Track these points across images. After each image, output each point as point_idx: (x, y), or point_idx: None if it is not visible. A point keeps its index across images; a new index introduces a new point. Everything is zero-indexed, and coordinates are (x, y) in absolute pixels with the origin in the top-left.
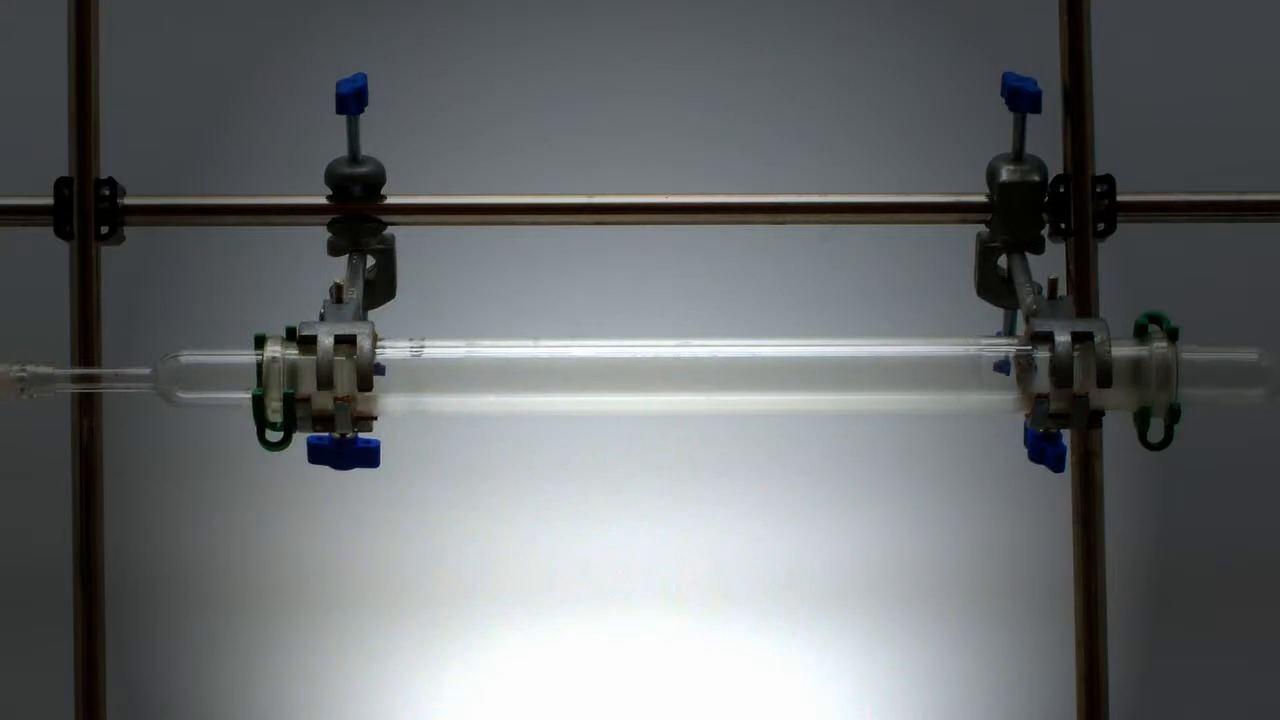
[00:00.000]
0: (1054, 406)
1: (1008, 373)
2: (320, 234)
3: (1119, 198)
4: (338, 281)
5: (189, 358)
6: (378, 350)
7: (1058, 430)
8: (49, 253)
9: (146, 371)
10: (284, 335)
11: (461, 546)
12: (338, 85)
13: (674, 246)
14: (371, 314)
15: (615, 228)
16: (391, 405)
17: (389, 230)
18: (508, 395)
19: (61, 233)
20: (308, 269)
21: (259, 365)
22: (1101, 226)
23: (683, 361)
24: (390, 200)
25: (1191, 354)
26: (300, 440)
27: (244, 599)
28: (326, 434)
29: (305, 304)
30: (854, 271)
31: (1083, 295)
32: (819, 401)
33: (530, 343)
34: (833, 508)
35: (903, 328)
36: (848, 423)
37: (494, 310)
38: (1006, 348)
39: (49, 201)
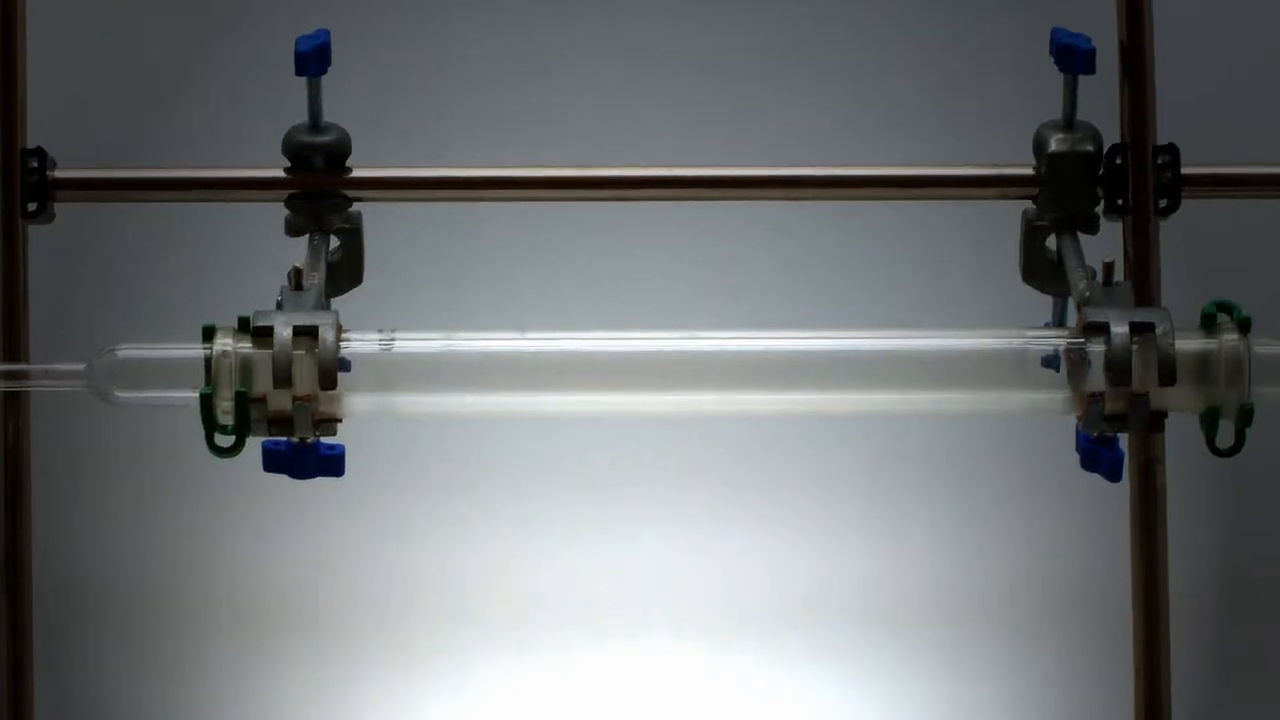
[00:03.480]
0: (1110, 407)
1: (1057, 369)
2: (277, 211)
3: (1183, 170)
4: (297, 265)
5: (128, 352)
6: (342, 343)
7: (1114, 434)
8: None
9: (80, 367)
10: (235, 326)
11: (437, 567)
12: (297, 43)
13: (678, 226)
14: (335, 302)
15: (612, 205)
16: (358, 406)
17: (355, 207)
18: (490, 395)
19: None
20: (263, 251)
21: (207, 360)
22: (1164, 203)
23: (689, 356)
24: (356, 173)
25: (1265, 347)
26: (254, 445)
27: (190, 619)
28: (284, 438)
29: (260, 291)
30: (882, 255)
31: (1142, 280)
32: (843, 401)
33: (516, 335)
34: (859, 522)
35: (938, 318)
36: (876, 425)
37: (475, 299)
38: (1055, 340)
39: None
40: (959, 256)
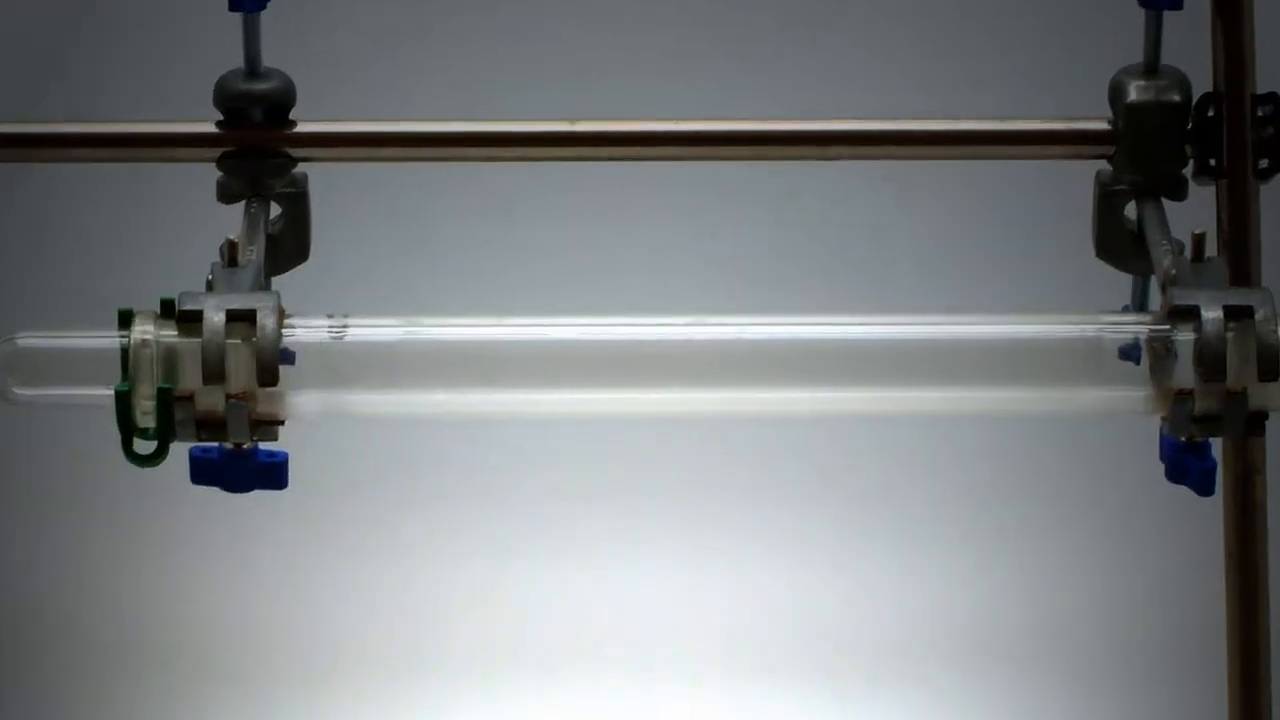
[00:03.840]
0: (1200, 407)
1: (1138, 362)
2: (207, 173)
3: None
4: (231, 238)
5: (29, 341)
6: (285, 331)
7: (1205, 439)
8: None
9: None
10: (157, 311)
11: (398, 597)
12: None
13: (686, 192)
14: (277, 282)
15: (606, 167)
16: (304, 405)
17: (300, 168)
18: (462, 392)
19: None
20: (191, 222)
21: (124, 351)
22: (1264, 163)
23: (697, 347)
24: (301, 127)
25: None
26: (180, 452)
27: (104, 655)
28: (216, 444)
29: (187, 269)
30: (928, 227)
31: (1239, 256)
32: (880, 400)
33: (493, 320)
34: (900, 544)
35: (995, 301)
36: (918, 429)
37: (444, 278)
38: (1135, 327)
39: None
40: (1019, 228)
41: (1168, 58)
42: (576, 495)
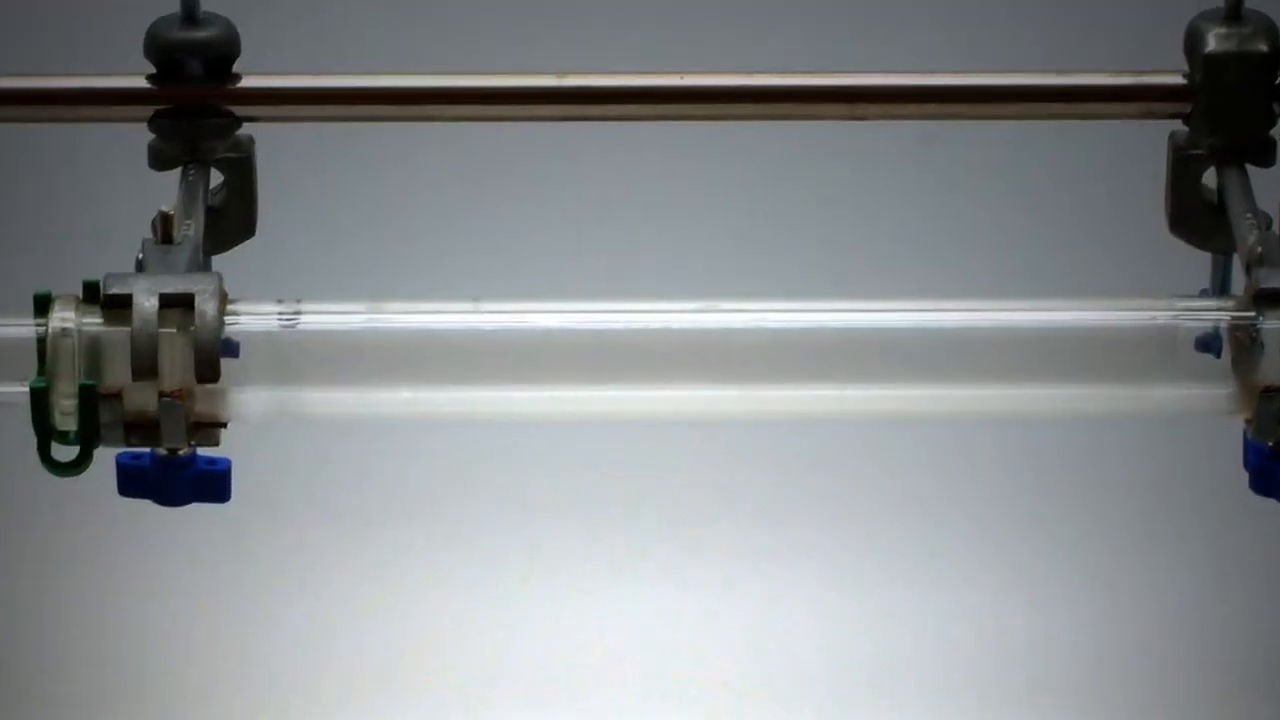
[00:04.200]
0: None
1: (1218, 354)
2: (138, 136)
3: None
4: (164, 210)
5: None
6: (228, 318)
7: None
8: None
9: None
10: (80, 295)
11: (363, 626)
12: None
13: (695, 158)
14: (218, 261)
15: (602, 128)
16: (250, 405)
17: (245, 130)
18: (434, 390)
19: None
20: (118, 192)
21: (40, 341)
22: None
23: (710, 337)
24: (247, 82)
25: None
26: (106, 458)
27: (8, 686)
28: (147, 450)
29: (114, 247)
30: (976, 197)
31: None
32: (923, 400)
33: (469, 306)
34: (941, 565)
35: (1052, 285)
36: (966, 434)
37: (412, 257)
38: (1215, 314)
39: None
40: (1079, 199)
41: (1252, 1)
42: (567, 510)
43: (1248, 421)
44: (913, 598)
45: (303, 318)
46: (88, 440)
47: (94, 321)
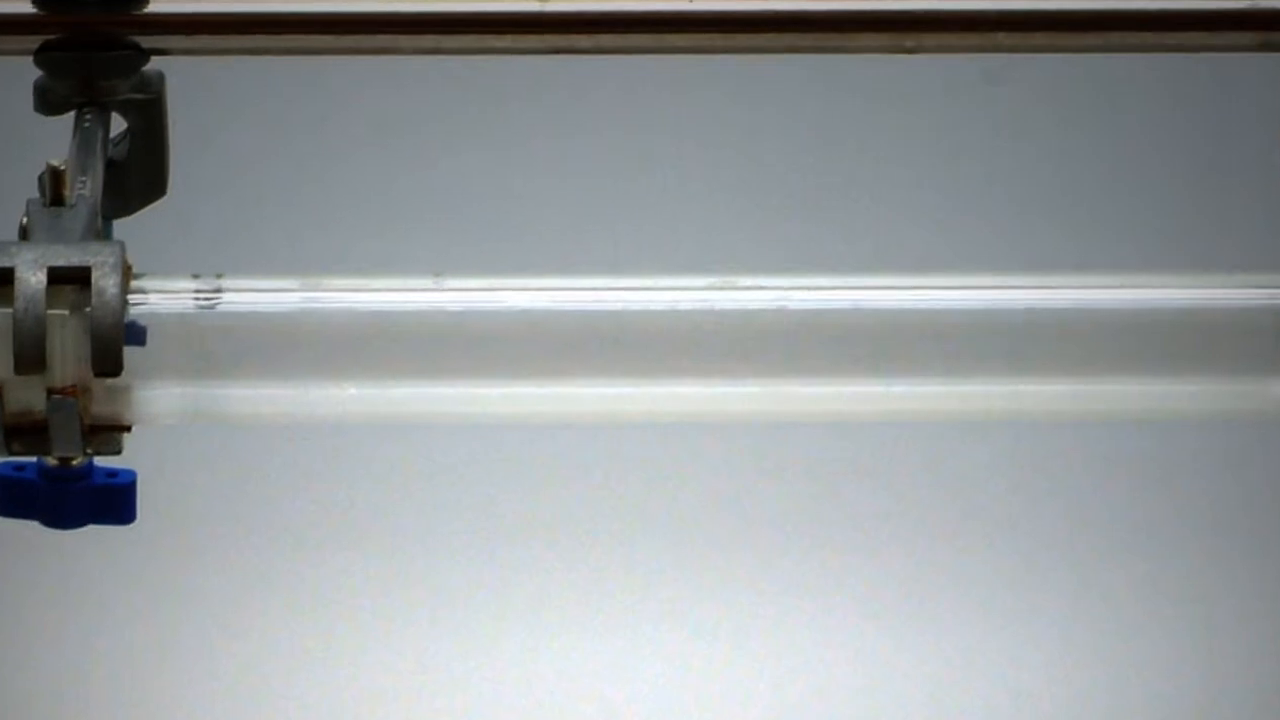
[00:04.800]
0: None
1: None
2: (24, 72)
3: None
4: (54, 163)
5: None
6: (134, 297)
7: None
8: None
9: None
10: None
11: (300, 677)
12: None
13: (706, 101)
14: (121, 227)
15: (592, 62)
16: (160, 404)
17: (153, 65)
18: (385, 385)
19: None
20: None
21: None
22: None
23: (723, 320)
24: (155, 7)
25: None
26: None
27: None
28: (32, 458)
29: None
30: (1050, 149)
31: None
32: (984, 398)
33: (429, 283)
34: (1009, 600)
35: (1143, 256)
36: (1038, 438)
37: (360, 222)
38: None
39: None
40: (1178, 150)
41: None
42: (549, 534)
43: None
44: (976, 641)
45: (225, 297)
46: None
47: None
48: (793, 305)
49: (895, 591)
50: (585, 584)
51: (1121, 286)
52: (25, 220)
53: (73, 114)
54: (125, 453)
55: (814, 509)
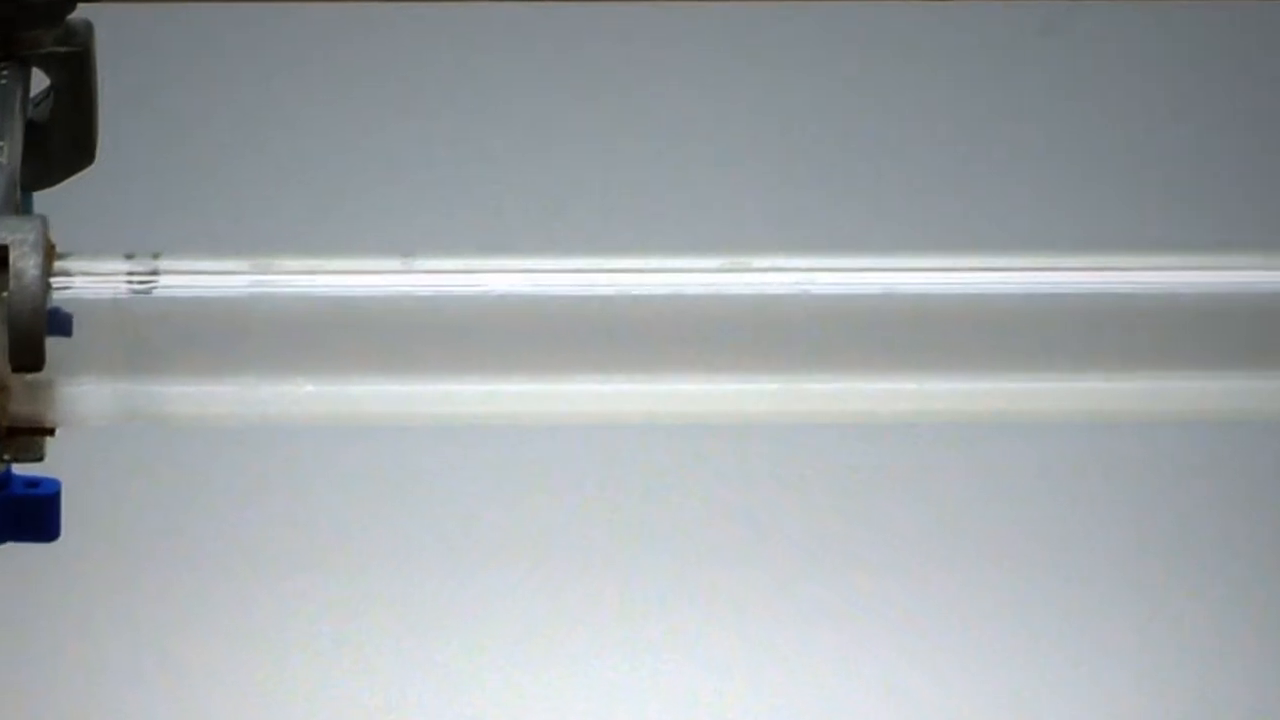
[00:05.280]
0: None
1: None
2: None
3: None
4: None
5: None
6: (58, 281)
7: None
8: None
9: None
10: None
11: (255, 713)
12: None
13: (715, 51)
14: (42, 199)
15: (583, 6)
16: (88, 403)
17: (79, 13)
18: (347, 381)
19: None
20: None
21: None
22: None
23: (736, 307)
24: None
25: None
26: None
27: None
28: None
29: None
30: (1122, 109)
31: None
32: (1033, 395)
33: (398, 264)
34: (1066, 632)
35: (1231, 233)
36: (1097, 441)
37: (317, 194)
38: None
39: None
40: (1253, 109)
41: None
42: (537, 553)
43: None
44: (1030, 679)
45: (163, 280)
46: None
47: None
48: (816, 290)
49: (935, 620)
50: (577, 611)
51: (1207, 268)
52: None
53: None
54: (48, 459)
55: (840, 524)
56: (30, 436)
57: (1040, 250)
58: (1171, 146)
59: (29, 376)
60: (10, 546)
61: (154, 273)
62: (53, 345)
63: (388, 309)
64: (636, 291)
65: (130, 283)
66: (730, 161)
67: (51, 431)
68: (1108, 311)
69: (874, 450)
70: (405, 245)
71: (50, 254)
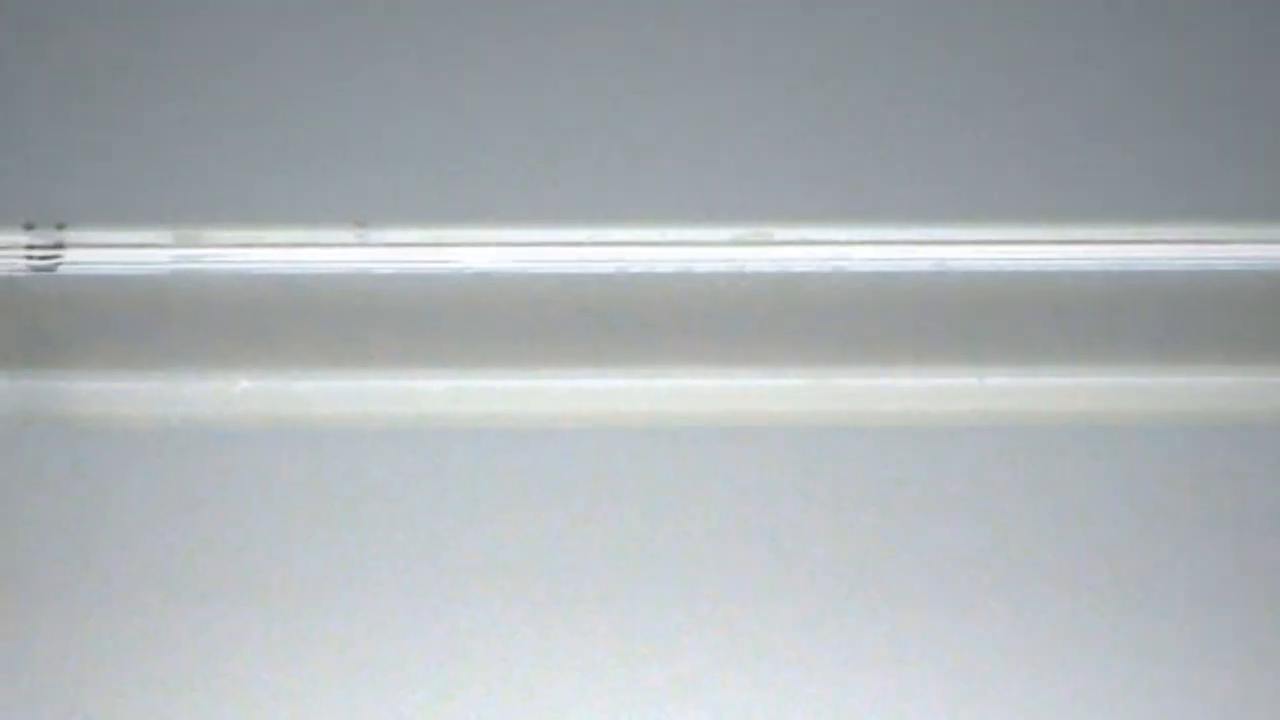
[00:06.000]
0: None
1: None
2: None
3: None
4: None
5: None
6: None
7: None
8: None
9: None
10: None
11: None
12: None
13: None
14: None
15: None
16: None
17: None
18: (291, 376)
19: None
20: None
21: None
22: None
23: (757, 287)
24: None
25: None
26: None
27: None
28: None
29: None
30: (1209, 53)
31: None
32: (1115, 392)
33: (351, 235)
34: (1162, 678)
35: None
36: (1191, 445)
37: (254, 148)
38: None
39: None
40: None
41: None
42: (521, 581)
43: None
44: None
45: (69, 254)
46: None
47: None
48: (854, 266)
49: (997, 666)
50: (565, 652)
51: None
52: None
53: None
54: None
55: (882, 549)
56: None
57: (1133, 218)
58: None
59: None
60: None
61: (58, 246)
62: None
63: (339, 290)
64: (638, 269)
65: (30, 258)
66: (750, 116)
67: None
68: (1206, 291)
69: (924, 461)
70: (360, 212)
71: None
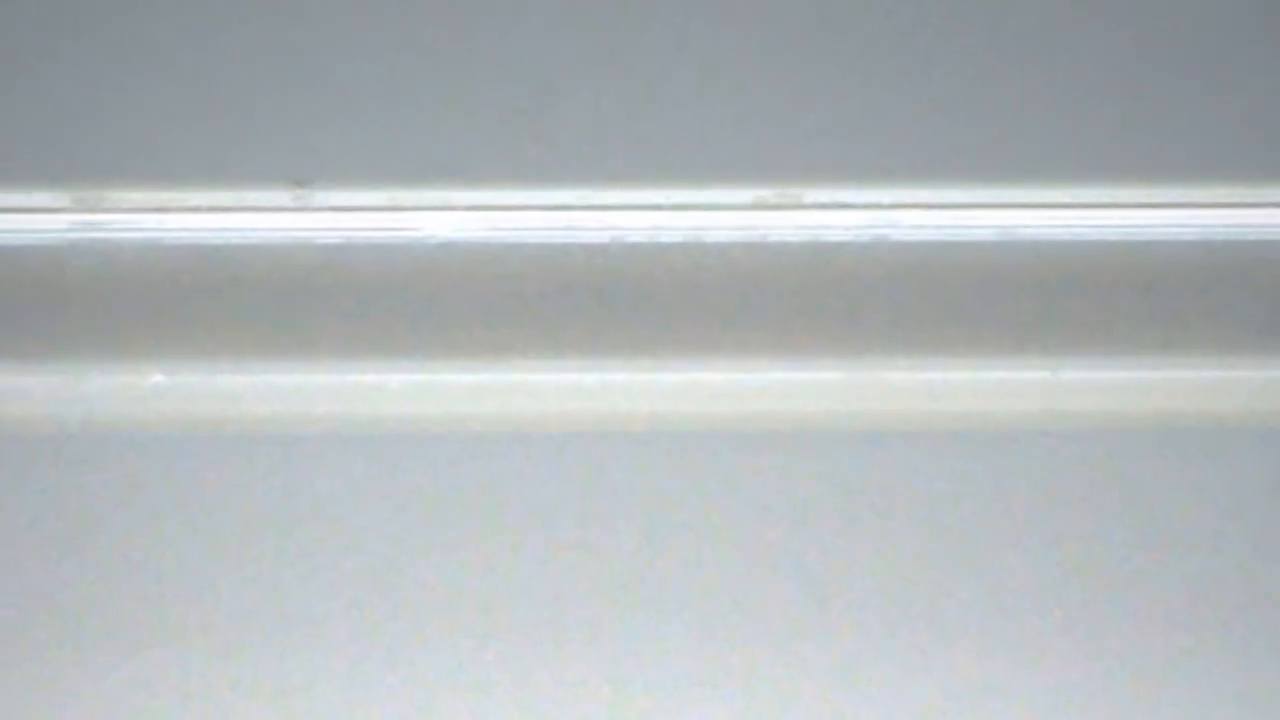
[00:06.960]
0: None
1: None
2: None
3: None
4: None
5: None
6: None
7: None
8: None
9: None
10: None
11: None
12: None
13: None
14: None
15: None
16: None
17: None
18: (217, 369)
19: None
20: None
21: None
22: None
23: (780, 257)
24: None
25: None
26: None
27: None
28: None
29: None
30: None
31: None
32: (1213, 387)
33: (288, 197)
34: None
35: None
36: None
37: (173, 94)
38: None
39: None
40: None
41: None
42: (498, 612)
43: None
44: None
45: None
46: None
47: None
48: (897, 235)
49: (1053, 697)
50: (550, 690)
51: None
52: None
53: None
54: None
55: (923, 570)
56: None
57: (1245, 177)
58: None
59: None
60: None
61: None
62: None
63: (274, 264)
64: (638, 238)
65: None
66: (775, 43)
67: None
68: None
69: (987, 469)
70: (300, 169)
71: None
